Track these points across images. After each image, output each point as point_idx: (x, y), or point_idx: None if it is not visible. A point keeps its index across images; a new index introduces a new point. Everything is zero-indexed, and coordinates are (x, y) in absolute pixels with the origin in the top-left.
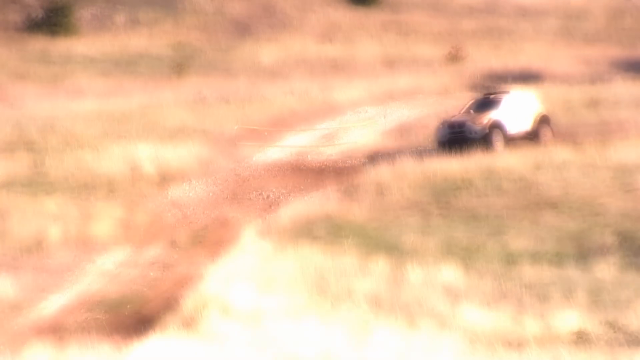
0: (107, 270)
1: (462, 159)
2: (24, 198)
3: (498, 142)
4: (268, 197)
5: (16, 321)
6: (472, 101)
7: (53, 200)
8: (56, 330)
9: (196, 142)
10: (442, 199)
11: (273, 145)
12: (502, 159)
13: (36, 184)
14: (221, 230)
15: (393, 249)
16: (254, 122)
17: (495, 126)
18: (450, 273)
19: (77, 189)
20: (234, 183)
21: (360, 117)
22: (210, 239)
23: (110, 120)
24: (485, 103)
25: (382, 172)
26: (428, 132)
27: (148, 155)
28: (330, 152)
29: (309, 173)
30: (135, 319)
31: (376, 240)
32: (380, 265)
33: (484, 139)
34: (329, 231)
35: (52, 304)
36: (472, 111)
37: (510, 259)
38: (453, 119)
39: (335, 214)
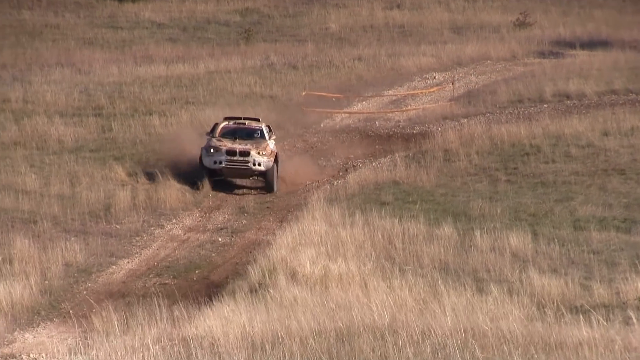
0: (176, 236)
1: (529, 125)
2: (93, 163)
3: (275, 180)
4: (336, 162)
5: (85, 286)
6: (219, 126)
7: (121, 166)
8: (124, 295)
9: (264, 108)
10: (510, 165)
11: (341, 111)
12: (570, 125)
13: (104, 150)
14: (290, 196)
15: (461, 215)
16: (321, 88)
17: (276, 161)
18: (518, 239)
19: (144, 154)
20: (302, 149)
21: (428, 84)
22: (278, 204)
23: (178, 86)
24: (241, 131)
25: (450, 138)
26: (496, 98)
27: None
28: (398, 119)
29: (377, 139)
30: (203, 284)
31: (444, 206)
32: (448, 231)
33: (266, 174)
34: (396, 197)
35: (121, 269)
36: (227, 139)
37: (578, 225)
38: (232, 145)
39: (403, 180)
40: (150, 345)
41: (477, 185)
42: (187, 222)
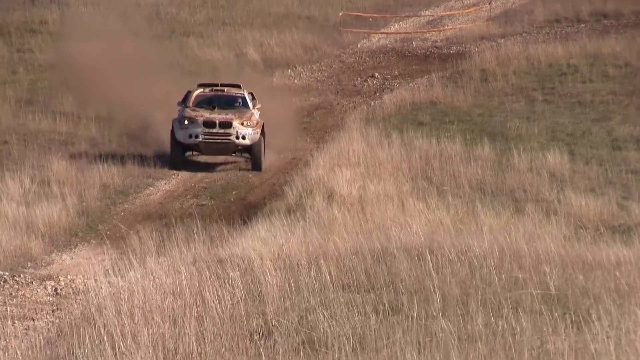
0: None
1: (566, 45)
2: (129, 85)
3: (262, 155)
4: (373, 83)
5: (122, 207)
6: (193, 94)
7: (158, 87)
8: (161, 217)
9: (301, 29)
10: (547, 84)
11: (378, 31)
12: (608, 45)
13: (141, 71)
14: (326, 116)
15: (498, 135)
16: (358, 8)
17: (263, 133)
18: (556, 159)
19: (181, 75)
20: (339, 69)
21: (465, 4)
22: (316, 125)
23: (215, 7)
24: (220, 100)
25: (487, 58)
26: (533, 18)
27: (253, 41)
28: (435, 39)
29: (414, 59)
30: (240, 205)
31: (481, 127)
32: (485, 151)
33: (252, 149)
34: (433, 117)
35: (158, 191)
36: (204, 109)
37: (616, 145)
38: (210, 115)
39: (440, 100)
40: (187, 266)
41: (514, 105)
42: None
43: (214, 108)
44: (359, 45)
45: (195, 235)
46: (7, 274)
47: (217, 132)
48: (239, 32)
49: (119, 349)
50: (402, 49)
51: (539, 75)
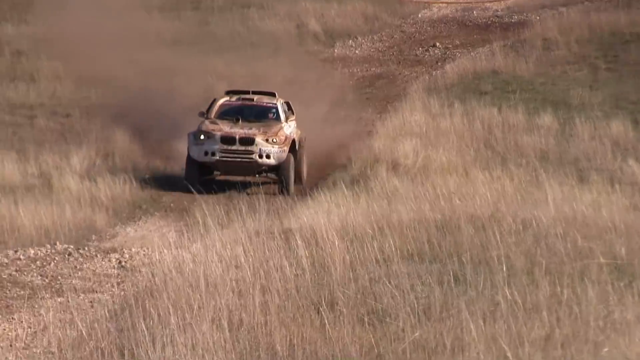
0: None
1: (629, 13)
2: (191, 57)
3: (291, 177)
4: (434, 53)
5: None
6: (217, 103)
7: (220, 59)
8: (226, 188)
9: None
10: (610, 53)
11: (439, 1)
12: None
13: (202, 43)
14: (388, 86)
15: (560, 104)
16: None
17: (294, 149)
18: (619, 127)
19: (243, 47)
20: (400, 39)
21: None
22: (378, 95)
23: None
24: (248, 110)
25: (549, 26)
26: None
27: (313, 12)
28: (496, 8)
29: (475, 29)
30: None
31: (543, 95)
32: (547, 120)
33: (278, 170)
34: (495, 86)
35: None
36: (227, 121)
37: None
38: (230, 129)
39: (502, 69)
40: (251, 238)
41: (577, 74)
42: None
43: (238, 121)
44: (419, 15)
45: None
46: (71, 247)
47: (237, 150)
48: (299, 3)
49: (183, 320)
50: (463, 18)
51: (601, 43)
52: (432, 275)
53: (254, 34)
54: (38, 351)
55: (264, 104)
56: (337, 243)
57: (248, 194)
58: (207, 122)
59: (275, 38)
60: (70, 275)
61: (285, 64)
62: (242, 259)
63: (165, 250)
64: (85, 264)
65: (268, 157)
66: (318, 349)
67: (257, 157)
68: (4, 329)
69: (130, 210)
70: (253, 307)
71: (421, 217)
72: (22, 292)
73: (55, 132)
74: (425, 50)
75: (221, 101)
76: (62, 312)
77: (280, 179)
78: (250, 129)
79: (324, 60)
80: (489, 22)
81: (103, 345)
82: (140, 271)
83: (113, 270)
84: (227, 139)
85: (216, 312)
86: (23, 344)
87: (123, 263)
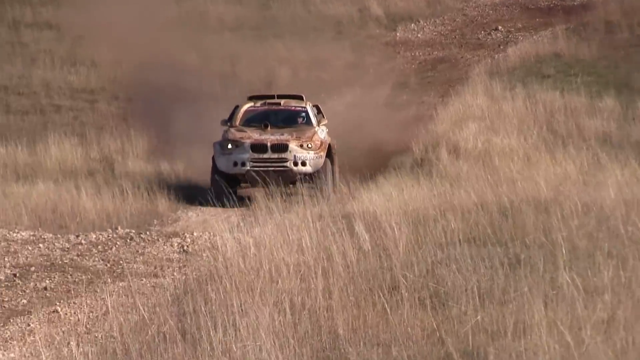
0: (337, 112)
1: None
2: (253, 42)
3: (330, 185)
4: (496, 36)
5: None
6: (241, 110)
7: (281, 43)
8: None
9: None
10: None
11: None
12: None
13: (264, 28)
14: (450, 70)
15: (623, 87)
16: None
17: (330, 155)
18: None
19: (304, 31)
20: (462, 23)
21: None
22: (440, 79)
23: None
24: (275, 116)
25: (611, 9)
26: None
27: None
28: None
29: (537, 12)
30: (365, 159)
31: (606, 78)
32: (610, 103)
33: (316, 177)
34: (558, 70)
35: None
36: (254, 128)
37: None
38: (260, 136)
39: (564, 53)
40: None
41: None
42: (347, 98)
43: (267, 127)
44: None
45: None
46: (133, 231)
47: (269, 158)
48: None
49: (245, 304)
50: (525, 1)
51: None
52: (494, 259)
53: (315, 18)
54: (100, 335)
55: (292, 107)
56: (399, 226)
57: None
58: (232, 129)
59: (337, 22)
60: (132, 260)
61: (347, 48)
62: (304, 243)
63: (227, 235)
64: (147, 248)
65: (304, 164)
66: (380, 332)
67: (292, 164)
68: (66, 314)
69: (192, 195)
70: (315, 291)
71: (483, 201)
72: (83, 277)
73: (116, 116)
74: (488, 34)
75: (245, 107)
76: (123, 296)
77: (317, 186)
78: (282, 134)
79: (386, 44)
80: (551, 5)
81: (165, 329)
82: (202, 255)
83: (175, 254)
84: (258, 147)
85: (278, 296)
86: (84, 329)
87: (185, 247)
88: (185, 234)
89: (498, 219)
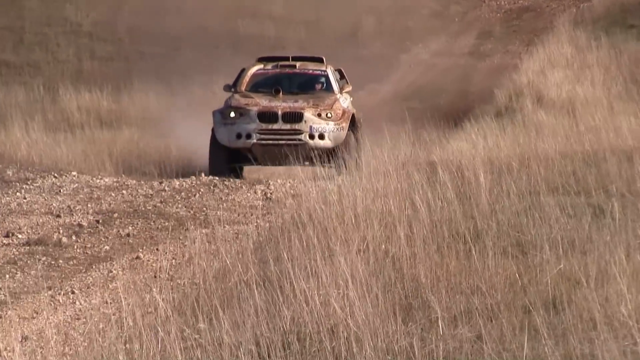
0: (422, 60)
1: None
2: None
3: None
4: None
5: None
6: (247, 73)
7: None
8: (372, 120)
9: None
10: None
11: None
12: None
13: None
14: (535, 19)
15: None
16: None
17: (354, 127)
18: None
19: None
20: None
21: None
22: (525, 28)
23: None
24: (289, 80)
25: None
26: None
27: None
28: None
29: None
30: (449, 108)
31: None
32: None
33: (336, 153)
34: None
35: (368, 94)
36: (263, 94)
37: None
38: (269, 103)
39: None
40: (396, 169)
41: None
42: (433, 47)
43: (278, 92)
44: None
45: (407, 137)
46: (217, 178)
47: (280, 130)
48: None
49: (327, 252)
50: None
51: None
52: (577, 208)
53: None
54: (182, 282)
55: (310, 71)
56: (482, 175)
57: (395, 125)
58: (237, 95)
59: None
60: (215, 207)
61: None
62: (387, 191)
63: (310, 182)
64: (231, 195)
65: (322, 137)
66: (462, 280)
67: (308, 137)
68: (149, 260)
69: None
70: (398, 239)
71: (567, 150)
72: (166, 224)
73: (201, 64)
74: None
75: (253, 70)
76: (206, 243)
77: (337, 166)
78: (296, 101)
79: None
80: None
81: (247, 276)
82: (285, 203)
83: (258, 202)
84: (267, 116)
85: (361, 243)
86: (167, 275)
87: (268, 195)
88: (269, 181)
89: (582, 168)
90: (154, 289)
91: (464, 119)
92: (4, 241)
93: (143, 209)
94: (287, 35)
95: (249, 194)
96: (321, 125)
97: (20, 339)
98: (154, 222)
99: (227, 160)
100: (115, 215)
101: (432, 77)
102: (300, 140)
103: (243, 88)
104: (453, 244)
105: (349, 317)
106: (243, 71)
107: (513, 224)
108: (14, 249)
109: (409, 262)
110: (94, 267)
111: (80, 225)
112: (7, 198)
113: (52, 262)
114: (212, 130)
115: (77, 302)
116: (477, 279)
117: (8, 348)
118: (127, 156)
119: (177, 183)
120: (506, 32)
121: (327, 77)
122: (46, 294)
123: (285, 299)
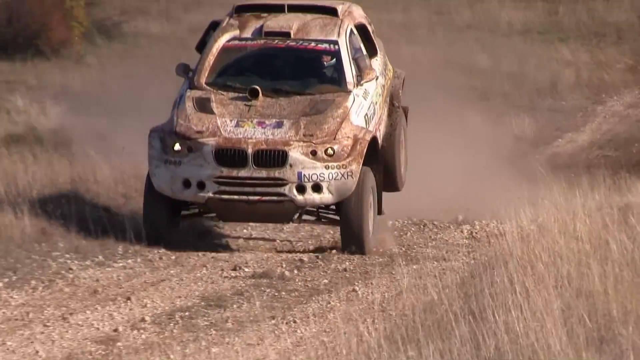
0: (617, 111)
1: None
2: (540, 44)
3: (367, 220)
4: None
5: (532, 157)
6: (215, 44)
7: (566, 47)
8: (569, 166)
9: None
10: None
11: None
12: None
13: (550, 32)
14: None
15: None
16: None
17: (372, 155)
18: None
19: (587, 36)
20: None
21: None
22: None
23: None
24: (279, 60)
25: None
26: None
27: None
28: None
29: None
30: None
31: None
32: None
33: (340, 211)
34: None
35: (565, 142)
36: (231, 99)
37: None
38: (231, 130)
39: None
40: (592, 212)
41: None
42: (627, 99)
43: (255, 95)
44: None
45: (601, 183)
46: (426, 219)
47: (251, 179)
48: None
49: (526, 287)
50: None
51: None
52: None
53: (598, 24)
54: (393, 314)
55: (311, 45)
56: None
57: (590, 172)
58: (187, 106)
59: (618, 28)
60: (424, 245)
61: (627, 52)
62: (583, 232)
63: (513, 222)
64: (439, 234)
65: (317, 188)
66: None
67: (295, 190)
68: (363, 293)
69: None
70: (591, 276)
71: None
72: (380, 260)
73: None
74: None
75: (222, 40)
76: (416, 278)
77: (342, 227)
78: (280, 123)
79: None
80: None
81: (454, 308)
82: (489, 241)
83: (464, 240)
84: (229, 156)
85: (557, 281)
86: (380, 307)
87: (474, 234)
88: (475, 221)
89: None
90: (368, 319)
91: None
92: (232, 274)
93: None
94: (493, 87)
95: (456, 233)
96: (316, 170)
97: None
98: (368, 258)
99: (168, 211)
100: (334, 251)
101: (625, 127)
102: (282, 195)
103: (202, 79)
104: None
105: (546, 347)
106: (208, 39)
107: None
108: (240, 281)
109: (601, 298)
110: (313, 298)
111: (301, 260)
112: (235, 234)
113: (275, 294)
114: (149, 170)
115: (298, 331)
116: None
117: None
118: None
119: (390, 223)
120: None
121: (338, 54)
122: (269, 323)
123: (488, 329)
